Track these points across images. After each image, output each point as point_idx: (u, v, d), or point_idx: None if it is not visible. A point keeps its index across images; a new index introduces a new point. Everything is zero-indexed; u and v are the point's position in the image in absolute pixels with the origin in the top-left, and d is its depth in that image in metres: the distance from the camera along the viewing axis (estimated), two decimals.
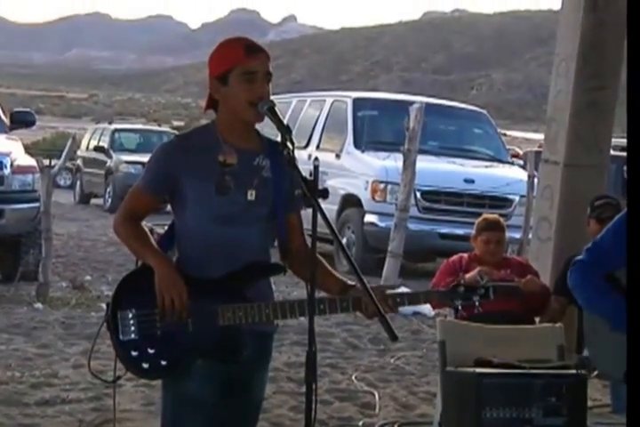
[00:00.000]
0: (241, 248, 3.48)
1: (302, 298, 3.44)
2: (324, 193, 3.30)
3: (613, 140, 20.02)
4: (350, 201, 13.17)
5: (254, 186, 3.49)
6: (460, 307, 3.61)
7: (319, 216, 3.23)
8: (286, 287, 9.80)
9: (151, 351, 3.43)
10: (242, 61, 3.44)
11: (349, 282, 3.53)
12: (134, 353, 3.44)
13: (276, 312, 3.45)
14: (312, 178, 3.29)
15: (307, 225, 3.35)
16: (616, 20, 7.38)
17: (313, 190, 3.25)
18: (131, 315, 3.45)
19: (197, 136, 3.56)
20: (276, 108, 3.43)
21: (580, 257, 4.16)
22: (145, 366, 3.45)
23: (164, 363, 3.44)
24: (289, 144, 3.35)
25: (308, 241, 3.41)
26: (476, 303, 3.55)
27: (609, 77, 7.47)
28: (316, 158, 3.33)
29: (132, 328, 3.45)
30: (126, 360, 3.47)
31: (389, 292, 3.52)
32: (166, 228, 3.65)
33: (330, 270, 3.54)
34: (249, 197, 3.48)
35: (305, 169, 3.32)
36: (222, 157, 3.46)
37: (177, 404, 3.51)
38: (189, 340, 3.43)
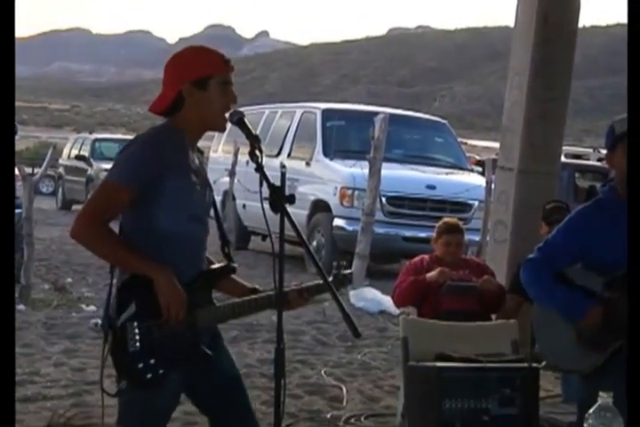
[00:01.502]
0: (202, 247, 3.49)
1: (268, 293, 3.48)
2: (291, 199, 3.29)
3: (565, 148, 20.15)
4: (320, 206, 13.18)
5: (209, 186, 3.54)
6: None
7: (287, 220, 3.24)
8: None
9: (152, 362, 3.34)
10: (221, 70, 3.45)
11: (250, 285, 3.59)
12: (140, 365, 3.33)
13: (244, 309, 3.47)
14: (280, 184, 3.28)
15: (275, 229, 3.36)
16: (565, 36, 7.47)
17: (280, 196, 3.24)
18: (134, 326, 3.33)
19: (168, 136, 3.42)
20: (245, 119, 3.41)
21: (531, 255, 4.19)
22: (149, 376, 3.34)
23: (161, 371, 3.35)
24: (257, 153, 3.32)
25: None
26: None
27: (559, 90, 7.55)
28: (283, 166, 3.34)
29: (136, 338, 3.33)
30: (132, 372, 3.34)
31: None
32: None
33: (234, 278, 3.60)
34: (207, 199, 3.52)
35: (276, 176, 3.32)
36: (192, 158, 3.47)
37: (145, 416, 3.43)
38: (178, 346, 3.37)
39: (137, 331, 3.32)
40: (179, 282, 3.33)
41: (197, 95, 3.42)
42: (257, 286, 3.56)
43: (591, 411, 2.67)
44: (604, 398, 2.68)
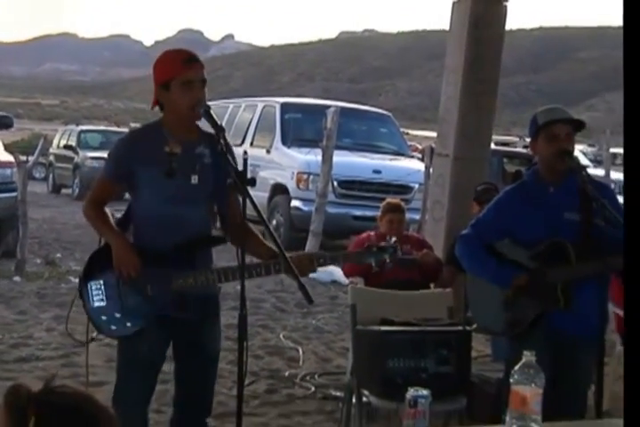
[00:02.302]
0: (188, 223, 3.47)
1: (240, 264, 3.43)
2: (252, 182, 3.30)
3: (495, 137, 20.23)
4: (279, 189, 13.12)
5: (197, 171, 3.48)
6: (373, 263, 3.57)
7: (249, 201, 3.23)
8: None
9: (118, 315, 3.45)
10: (180, 72, 3.42)
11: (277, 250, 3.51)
12: (104, 318, 3.47)
13: (220, 277, 3.45)
14: (242, 169, 3.27)
15: None
16: (493, 38, 7.46)
17: (243, 179, 3.23)
18: (99, 285, 3.47)
19: (147, 131, 3.56)
20: (212, 111, 3.41)
21: (465, 231, 4.18)
22: (113, 327, 3.47)
23: (128, 324, 3.45)
24: (222, 141, 3.34)
25: None
26: (387, 260, 3.53)
27: (488, 85, 7.54)
28: (246, 153, 3.30)
29: (101, 296, 3.47)
30: (97, 324, 3.49)
31: (314, 253, 3.61)
32: (123, 212, 3.64)
33: (262, 241, 3.55)
34: (192, 181, 3.48)
35: (241, 162, 3.30)
36: (169, 148, 3.46)
37: (127, 364, 3.53)
38: (149, 304, 3.43)
39: (103, 289, 3.47)
40: (156, 251, 3.41)
41: (165, 96, 3.48)
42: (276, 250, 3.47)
43: (516, 368, 2.66)
44: (528, 356, 2.67)
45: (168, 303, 3.43)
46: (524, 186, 4.06)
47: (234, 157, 3.43)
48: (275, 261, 3.42)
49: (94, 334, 3.57)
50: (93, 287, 3.48)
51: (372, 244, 3.63)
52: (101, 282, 3.48)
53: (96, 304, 3.47)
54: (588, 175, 3.72)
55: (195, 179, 3.48)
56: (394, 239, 3.64)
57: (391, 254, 3.53)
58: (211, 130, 3.44)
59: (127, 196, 3.66)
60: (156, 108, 3.59)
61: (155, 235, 3.46)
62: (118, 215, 3.69)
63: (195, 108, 3.39)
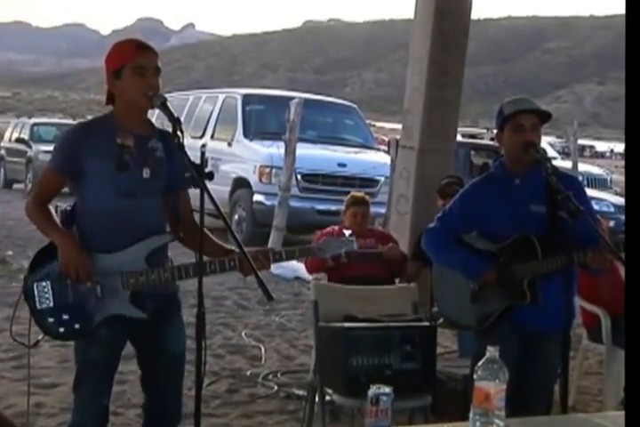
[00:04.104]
0: (140, 219, 3.43)
1: (194, 261, 3.40)
2: (210, 175, 3.26)
3: (462, 129, 20.10)
4: (241, 183, 13.09)
5: (149, 165, 3.45)
6: (329, 258, 3.56)
7: (207, 195, 3.20)
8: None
9: (66, 317, 3.39)
10: (133, 58, 3.40)
11: (228, 247, 3.52)
12: (50, 320, 3.41)
13: (173, 275, 3.42)
14: (199, 162, 3.25)
15: (197, 203, 3.31)
16: (458, 28, 7.49)
17: (200, 173, 3.21)
18: (46, 285, 3.40)
19: (98, 123, 3.53)
20: (168, 103, 3.38)
21: (431, 224, 4.21)
22: (61, 330, 3.41)
23: (77, 326, 3.40)
24: (179, 133, 3.30)
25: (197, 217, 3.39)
26: (343, 254, 3.53)
27: (454, 75, 7.58)
28: (203, 145, 3.30)
29: (48, 297, 3.40)
30: (44, 326, 3.42)
31: (269, 248, 3.56)
32: (69, 208, 3.56)
33: (213, 240, 3.52)
34: (144, 175, 3.44)
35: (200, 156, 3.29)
36: (120, 140, 3.42)
37: (82, 365, 3.49)
38: (99, 305, 3.39)
39: (50, 290, 3.40)
40: (107, 249, 3.37)
41: (117, 85, 3.45)
42: (233, 248, 3.47)
43: (480, 363, 2.68)
44: (492, 351, 2.68)
45: (120, 303, 3.39)
46: (490, 178, 4.09)
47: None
48: (230, 258, 3.41)
49: (40, 337, 3.51)
50: (40, 288, 3.41)
51: (329, 238, 3.63)
52: (48, 282, 3.41)
53: (43, 306, 3.40)
54: (554, 167, 3.75)
55: (147, 172, 3.45)
56: (349, 232, 3.65)
57: (347, 249, 3.53)
58: (167, 123, 3.41)
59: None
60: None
61: (105, 231, 3.41)
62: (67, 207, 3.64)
63: (147, 95, 3.36)
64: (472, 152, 16.16)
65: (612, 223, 12.49)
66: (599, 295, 5.48)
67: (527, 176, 3.97)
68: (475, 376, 2.66)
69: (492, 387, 2.60)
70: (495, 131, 4.16)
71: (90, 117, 3.85)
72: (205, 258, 3.33)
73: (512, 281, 3.92)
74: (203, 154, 3.30)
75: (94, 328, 3.40)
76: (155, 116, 3.70)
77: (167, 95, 3.47)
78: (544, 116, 4.01)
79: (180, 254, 3.70)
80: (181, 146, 3.29)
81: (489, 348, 2.69)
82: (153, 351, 3.54)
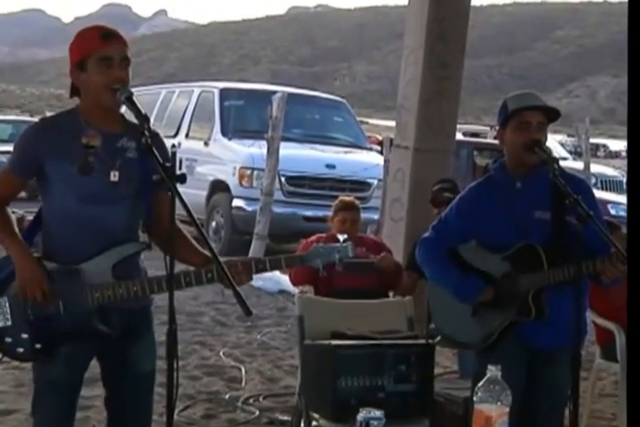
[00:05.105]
0: (107, 227, 3.43)
1: (157, 276, 3.42)
2: (182, 178, 3.23)
3: (464, 126, 20.17)
4: (219, 187, 13.11)
5: (117, 167, 3.44)
6: (320, 266, 3.50)
7: (178, 200, 3.19)
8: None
9: (25, 336, 3.39)
10: (98, 48, 3.40)
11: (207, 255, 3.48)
12: (8, 340, 3.41)
13: (143, 288, 3.42)
14: (170, 164, 3.23)
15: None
16: (458, 14, 7.52)
17: (171, 176, 3.19)
18: (3, 302, 3.40)
19: (61, 120, 3.52)
20: (134, 98, 3.37)
21: (426, 234, 4.23)
22: (20, 350, 3.42)
23: (38, 346, 3.40)
24: (146, 132, 3.29)
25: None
26: (337, 261, 3.47)
27: (453, 67, 7.61)
28: (174, 145, 3.32)
29: (6, 315, 3.40)
30: (1, 346, 3.43)
31: (251, 258, 3.55)
32: (35, 214, 3.58)
33: (194, 246, 3.53)
34: (112, 178, 3.43)
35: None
36: (85, 139, 3.41)
37: (42, 386, 3.49)
38: (62, 322, 3.39)
39: (7, 307, 3.40)
40: (70, 260, 3.37)
41: (81, 77, 3.45)
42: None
43: (480, 384, 2.70)
44: (493, 371, 2.71)
45: (84, 319, 3.39)
46: (490, 181, 4.11)
47: (165, 150, 3.42)
48: (207, 269, 3.41)
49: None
50: (1, 304, 3.41)
51: (319, 244, 3.57)
52: (5, 298, 3.41)
53: (0, 324, 3.41)
54: (561, 168, 3.78)
55: (115, 175, 3.44)
56: (343, 237, 3.59)
57: (342, 256, 3.49)
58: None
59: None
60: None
61: (68, 241, 3.41)
62: (30, 217, 3.64)
63: (113, 89, 3.36)
64: (475, 152, 16.23)
65: None
66: (612, 309, 5.51)
67: (529, 179, 3.99)
68: (474, 398, 2.68)
69: (493, 410, 2.63)
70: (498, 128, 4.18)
71: (50, 114, 3.82)
72: (187, 268, 3.34)
73: (515, 295, 3.94)
74: (174, 154, 3.32)
75: (53, 349, 3.40)
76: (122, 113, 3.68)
77: (136, 89, 3.48)
78: (552, 115, 4.04)
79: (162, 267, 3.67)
80: (149, 146, 3.29)
81: (490, 367, 2.71)
82: (119, 371, 3.54)
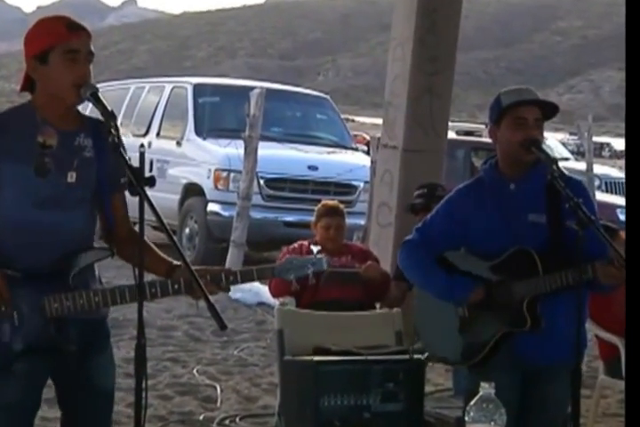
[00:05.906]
0: (63, 233, 3.42)
1: (132, 283, 3.38)
2: (151, 181, 3.24)
3: (456, 124, 20.23)
4: (192, 190, 13.09)
5: (74, 167, 3.44)
6: (293, 280, 3.51)
7: (147, 205, 3.19)
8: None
9: None
10: (64, 39, 3.38)
11: (175, 262, 3.49)
12: None
13: (106, 299, 3.40)
14: (138, 166, 3.23)
15: (134, 213, 3.32)
16: (449, 4, 7.54)
17: (139, 178, 3.20)
18: None
19: (13, 117, 3.48)
20: (100, 94, 3.37)
21: (409, 236, 4.22)
22: None
23: None
24: (113, 131, 3.28)
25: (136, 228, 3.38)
26: (310, 275, 3.49)
27: (445, 61, 7.63)
28: (142, 145, 3.31)
29: None
30: None
31: (222, 268, 3.51)
32: None
33: (156, 252, 3.51)
34: (69, 180, 3.43)
35: (145, 158, 3.30)
36: (41, 138, 3.40)
37: None
38: (17, 334, 3.36)
39: None
40: (24, 268, 3.35)
41: (41, 70, 3.42)
42: (179, 264, 3.44)
43: (472, 403, 2.71)
44: (486, 388, 2.72)
45: (40, 333, 3.37)
46: (480, 183, 4.13)
47: (124, 149, 3.41)
48: (173, 280, 3.40)
49: None
50: None
51: (292, 256, 3.60)
52: None
53: None
54: (560, 169, 3.79)
55: (72, 177, 3.43)
56: (317, 249, 3.61)
57: (316, 269, 3.49)
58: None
59: None
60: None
61: (22, 248, 3.40)
62: None
63: (78, 86, 3.35)
64: (472, 153, 16.24)
65: None
66: (616, 322, 5.53)
67: (524, 180, 4.01)
68: (466, 418, 2.69)
69: None
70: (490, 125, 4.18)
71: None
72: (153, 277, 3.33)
73: (508, 303, 3.93)
74: (142, 155, 3.31)
75: (7, 365, 3.37)
76: (88, 110, 3.68)
77: (103, 85, 3.46)
78: (549, 110, 4.05)
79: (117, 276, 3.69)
80: (116, 146, 3.29)
81: (482, 384, 2.72)
82: (76, 388, 3.53)
